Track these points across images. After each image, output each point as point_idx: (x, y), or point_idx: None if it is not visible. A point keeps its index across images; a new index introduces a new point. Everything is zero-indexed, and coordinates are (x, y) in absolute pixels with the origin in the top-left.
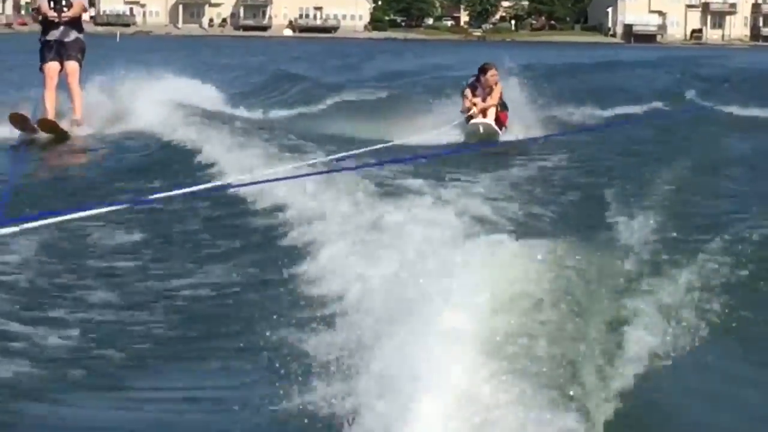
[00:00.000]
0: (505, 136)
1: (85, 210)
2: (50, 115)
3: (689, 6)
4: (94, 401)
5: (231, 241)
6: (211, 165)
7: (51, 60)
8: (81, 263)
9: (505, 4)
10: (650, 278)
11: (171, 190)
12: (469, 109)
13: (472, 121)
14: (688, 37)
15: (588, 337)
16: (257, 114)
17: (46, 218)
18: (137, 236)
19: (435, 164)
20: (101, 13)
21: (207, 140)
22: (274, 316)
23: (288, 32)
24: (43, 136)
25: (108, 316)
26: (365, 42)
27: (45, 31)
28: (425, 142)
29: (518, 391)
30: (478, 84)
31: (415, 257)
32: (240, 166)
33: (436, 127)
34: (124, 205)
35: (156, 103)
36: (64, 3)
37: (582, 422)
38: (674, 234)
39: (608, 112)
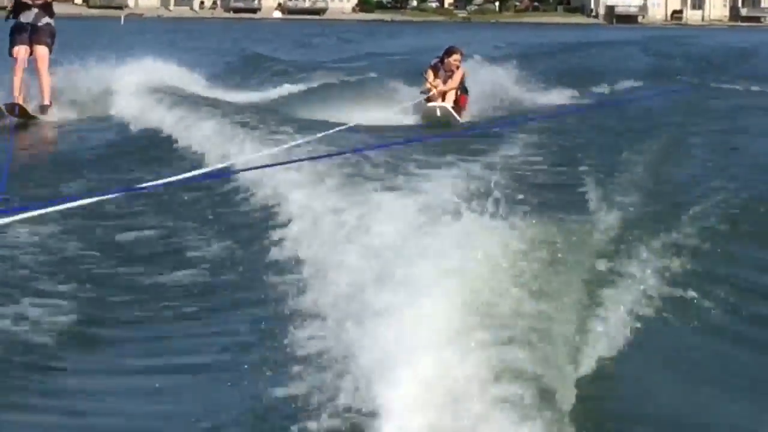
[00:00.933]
0: (463, 119)
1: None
2: (18, 100)
3: None
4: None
5: (200, 227)
6: (182, 149)
7: (21, 44)
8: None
9: None
10: (622, 258)
11: (138, 177)
12: (429, 90)
13: (430, 103)
14: (668, 17)
15: (559, 316)
16: (232, 96)
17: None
18: (116, 223)
19: (398, 149)
20: None
21: (173, 124)
22: (247, 302)
23: (277, 14)
24: (10, 120)
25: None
26: (353, 23)
27: (17, 13)
28: (385, 122)
29: (489, 369)
30: (440, 66)
31: (385, 241)
32: (214, 151)
33: (397, 107)
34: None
35: (126, 87)
36: None
37: (550, 401)
38: (647, 213)
39: (579, 93)
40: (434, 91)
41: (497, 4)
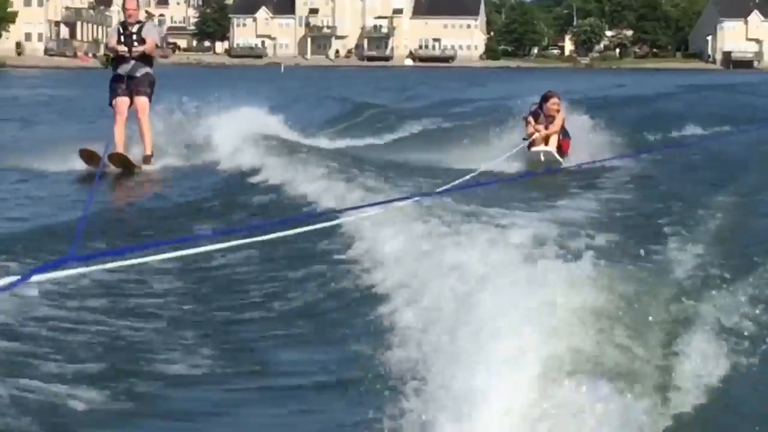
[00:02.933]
0: (567, 163)
1: (145, 248)
2: (120, 149)
3: None
4: None
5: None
6: (288, 196)
7: (121, 95)
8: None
9: (609, 33)
10: (705, 301)
11: (244, 224)
12: (531, 135)
13: (534, 148)
14: None
15: (646, 357)
16: (335, 143)
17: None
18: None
19: (496, 192)
20: (235, 45)
21: (282, 171)
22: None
23: (409, 62)
24: (113, 170)
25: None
26: (480, 70)
27: (115, 65)
28: (491, 169)
29: (577, 409)
30: (540, 111)
31: (474, 279)
32: (319, 196)
33: (501, 153)
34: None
35: (233, 135)
36: (135, 38)
37: None
38: (729, 257)
39: (678, 134)
40: (537, 135)
41: (618, 51)
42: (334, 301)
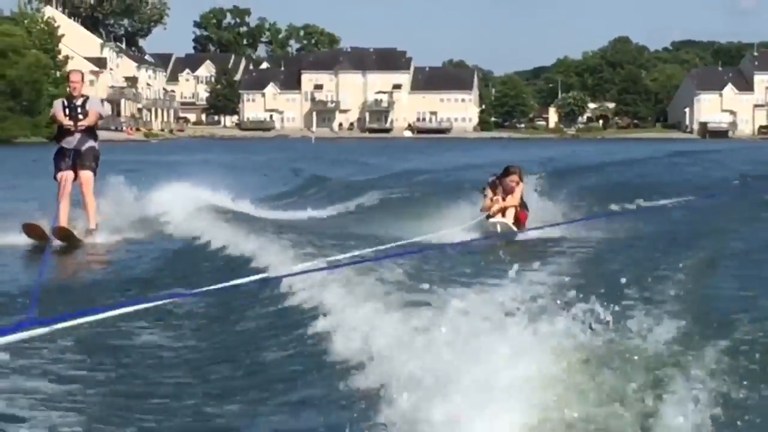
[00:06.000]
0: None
1: (117, 308)
2: (63, 224)
3: (757, 105)
4: None
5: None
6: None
7: (65, 169)
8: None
9: (592, 105)
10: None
11: (192, 289)
12: (489, 208)
13: (491, 220)
14: (756, 132)
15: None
16: (299, 215)
17: (77, 318)
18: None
19: (452, 261)
20: (245, 119)
21: (229, 239)
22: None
23: (407, 134)
24: (57, 243)
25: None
26: (473, 141)
27: (60, 138)
28: (445, 240)
29: None
30: (499, 183)
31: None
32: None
33: (457, 225)
34: (163, 301)
35: (181, 208)
36: (80, 111)
37: None
38: (695, 323)
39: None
40: (495, 207)
41: (600, 122)
42: (298, 364)
